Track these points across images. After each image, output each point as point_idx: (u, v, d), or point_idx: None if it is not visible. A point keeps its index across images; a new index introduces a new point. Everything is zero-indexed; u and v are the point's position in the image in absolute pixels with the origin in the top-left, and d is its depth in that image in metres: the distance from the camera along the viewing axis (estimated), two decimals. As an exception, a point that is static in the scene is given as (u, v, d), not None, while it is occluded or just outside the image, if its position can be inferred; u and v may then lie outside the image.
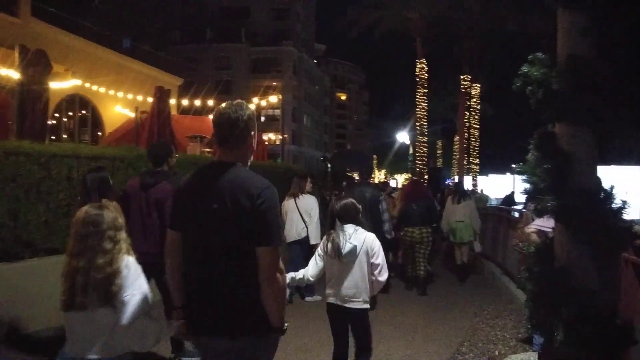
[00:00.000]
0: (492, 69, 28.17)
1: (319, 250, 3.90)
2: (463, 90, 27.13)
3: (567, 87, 3.21)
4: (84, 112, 18.12)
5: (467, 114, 28.02)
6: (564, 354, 3.20)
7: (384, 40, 26.35)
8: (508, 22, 22.46)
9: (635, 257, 4.13)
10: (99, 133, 18.31)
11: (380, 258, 3.80)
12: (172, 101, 13.62)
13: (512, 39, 22.17)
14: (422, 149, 25.68)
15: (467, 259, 9.65)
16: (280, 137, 27.46)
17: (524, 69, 3.46)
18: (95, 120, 18.42)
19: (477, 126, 28.72)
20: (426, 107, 25.04)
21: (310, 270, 3.87)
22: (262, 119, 52.83)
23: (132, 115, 13.38)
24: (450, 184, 23.31)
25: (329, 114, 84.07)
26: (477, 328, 6.18)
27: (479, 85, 28.16)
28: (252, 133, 2.45)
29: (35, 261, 5.61)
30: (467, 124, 28.20)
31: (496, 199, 22.22)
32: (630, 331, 3.40)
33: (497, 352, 5.20)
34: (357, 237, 3.76)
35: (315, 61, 72.65)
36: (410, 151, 42.70)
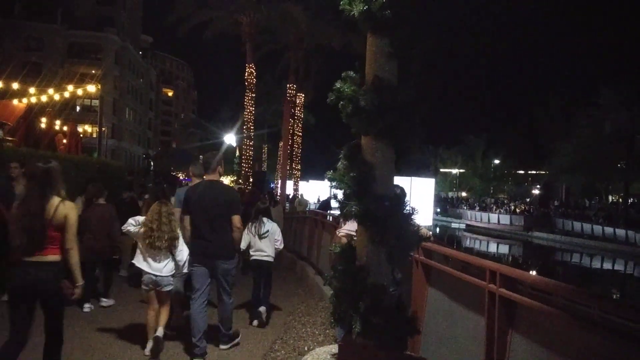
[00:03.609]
0: (316, 81, 29.73)
1: (246, 231, 6.61)
2: (288, 98, 28.14)
3: (371, 106, 3.59)
4: None
5: (292, 121, 29.12)
6: (359, 343, 3.56)
7: (215, 41, 26.15)
8: (333, 39, 23.89)
9: (425, 258, 4.76)
10: None
11: (279, 236, 6.85)
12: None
13: (337, 55, 23.65)
14: (248, 152, 25.99)
15: None
16: (98, 130, 25.55)
17: (337, 85, 3.79)
18: None
19: (300, 134, 30.00)
20: (253, 112, 25.44)
21: (243, 242, 6.45)
22: (78, 109, 48.65)
23: None
24: (274, 187, 23.92)
25: (154, 110, 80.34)
26: (290, 326, 6.50)
27: (303, 95, 29.48)
28: (220, 168, 5.46)
29: None
30: (291, 131, 29.28)
31: (315, 203, 23.28)
32: (416, 322, 3.92)
33: (306, 348, 5.53)
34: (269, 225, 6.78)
35: (140, 53, 68.93)
36: (237, 154, 42.89)
